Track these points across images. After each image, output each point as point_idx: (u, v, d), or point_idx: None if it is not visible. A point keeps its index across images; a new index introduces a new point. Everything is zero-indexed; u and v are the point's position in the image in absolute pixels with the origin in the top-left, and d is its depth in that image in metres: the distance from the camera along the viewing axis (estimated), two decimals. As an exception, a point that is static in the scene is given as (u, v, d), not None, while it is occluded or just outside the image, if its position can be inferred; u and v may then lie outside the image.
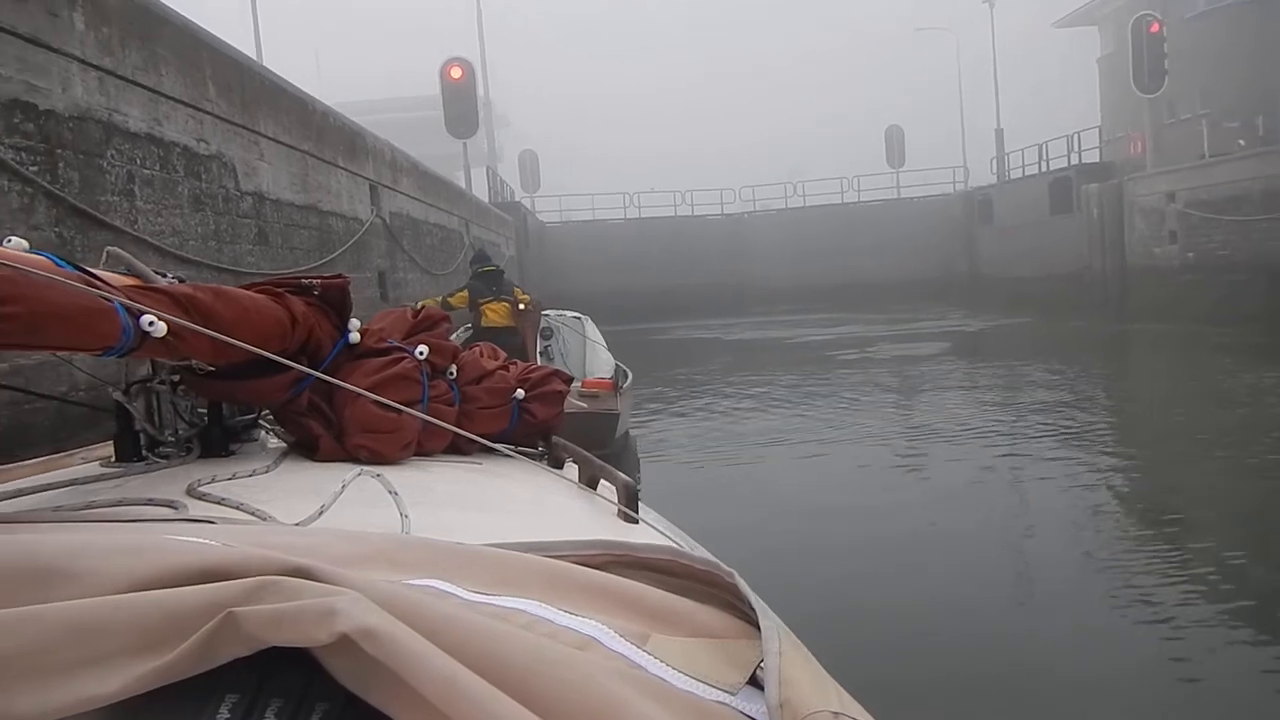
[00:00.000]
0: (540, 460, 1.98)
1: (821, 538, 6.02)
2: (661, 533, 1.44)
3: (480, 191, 24.93)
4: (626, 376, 9.24)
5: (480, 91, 25.40)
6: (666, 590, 0.77)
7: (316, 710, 0.58)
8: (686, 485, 7.77)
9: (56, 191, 4.62)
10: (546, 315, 9.52)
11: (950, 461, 8.20)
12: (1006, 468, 8.03)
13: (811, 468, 8.20)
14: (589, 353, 9.43)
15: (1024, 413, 10.41)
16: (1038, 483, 7.43)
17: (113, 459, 1.60)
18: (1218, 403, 10.67)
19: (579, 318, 9.71)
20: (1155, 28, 22.87)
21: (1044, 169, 27.55)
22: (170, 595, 0.61)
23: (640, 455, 8.87)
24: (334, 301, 1.67)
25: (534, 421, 2.04)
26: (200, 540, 0.76)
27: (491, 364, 2.04)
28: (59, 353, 1.39)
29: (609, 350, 9.77)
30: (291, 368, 1.44)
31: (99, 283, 1.20)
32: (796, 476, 7.93)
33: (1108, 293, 22.16)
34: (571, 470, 1.88)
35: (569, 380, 2.25)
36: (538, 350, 8.90)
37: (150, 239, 5.50)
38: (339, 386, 1.57)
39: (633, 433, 9.55)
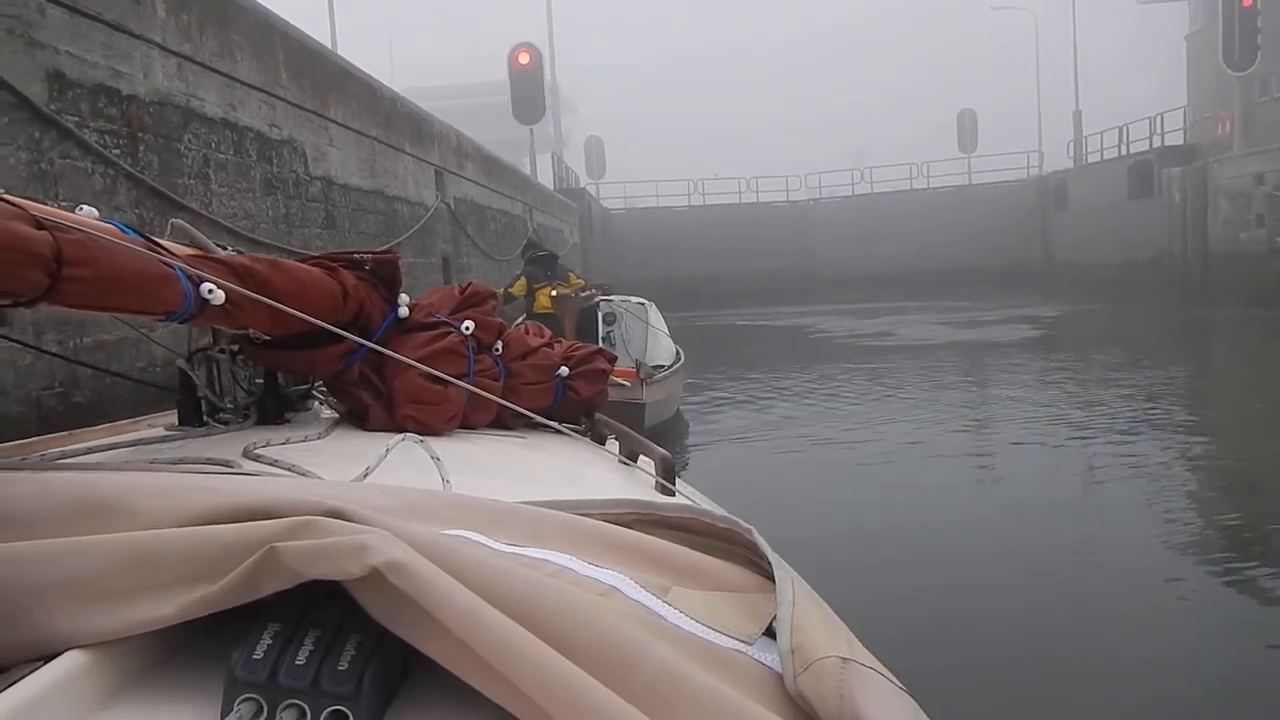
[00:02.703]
0: (583, 436, 2.02)
1: (869, 524, 5.94)
2: (694, 503, 1.46)
3: (545, 178, 25.12)
4: (679, 359, 9.27)
5: (547, 77, 25.54)
6: (689, 547, 0.80)
7: (350, 641, 0.63)
8: (735, 473, 7.72)
9: (137, 174, 4.83)
10: (610, 301, 9.58)
11: (1028, 450, 8.00)
12: (1081, 455, 7.81)
13: (871, 456, 8.08)
14: (651, 339, 9.46)
15: (1099, 401, 10.10)
16: (1116, 470, 7.21)
17: (176, 424, 1.69)
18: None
19: (643, 304, 9.72)
20: (1249, 1, 21.78)
21: (1124, 152, 26.57)
22: (219, 530, 0.67)
23: (688, 439, 8.86)
24: (384, 276, 1.72)
25: (577, 398, 2.08)
26: (246, 484, 0.82)
27: (537, 341, 2.08)
28: (124, 316, 1.47)
29: (670, 337, 9.79)
30: (346, 337, 1.50)
31: (163, 250, 1.26)
32: (855, 465, 7.83)
33: (1189, 278, 21.34)
34: (613, 446, 1.91)
35: (613, 359, 2.28)
36: (599, 336, 8.95)
37: (224, 221, 5.70)
38: (389, 358, 1.62)
39: (684, 416, 9.58)
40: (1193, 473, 7.26)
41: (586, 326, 8.88)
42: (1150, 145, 25.39)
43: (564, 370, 2.05)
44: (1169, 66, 32.57)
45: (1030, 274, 29.51)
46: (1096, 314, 21.09)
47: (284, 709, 0.60)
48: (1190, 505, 6.37)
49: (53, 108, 4.20)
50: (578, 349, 2.15)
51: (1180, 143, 25.28)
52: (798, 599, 0.68)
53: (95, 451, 1.42)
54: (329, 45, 10.71)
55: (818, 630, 0.65)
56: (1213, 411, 10.03)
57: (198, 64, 5.59)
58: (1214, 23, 22.92)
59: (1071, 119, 31.39)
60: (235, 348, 1.71)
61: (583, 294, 9.50)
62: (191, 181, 5.45)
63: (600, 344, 8.66)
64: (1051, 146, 33.73)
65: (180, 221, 1.55)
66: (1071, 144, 31.32)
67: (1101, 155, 28.40)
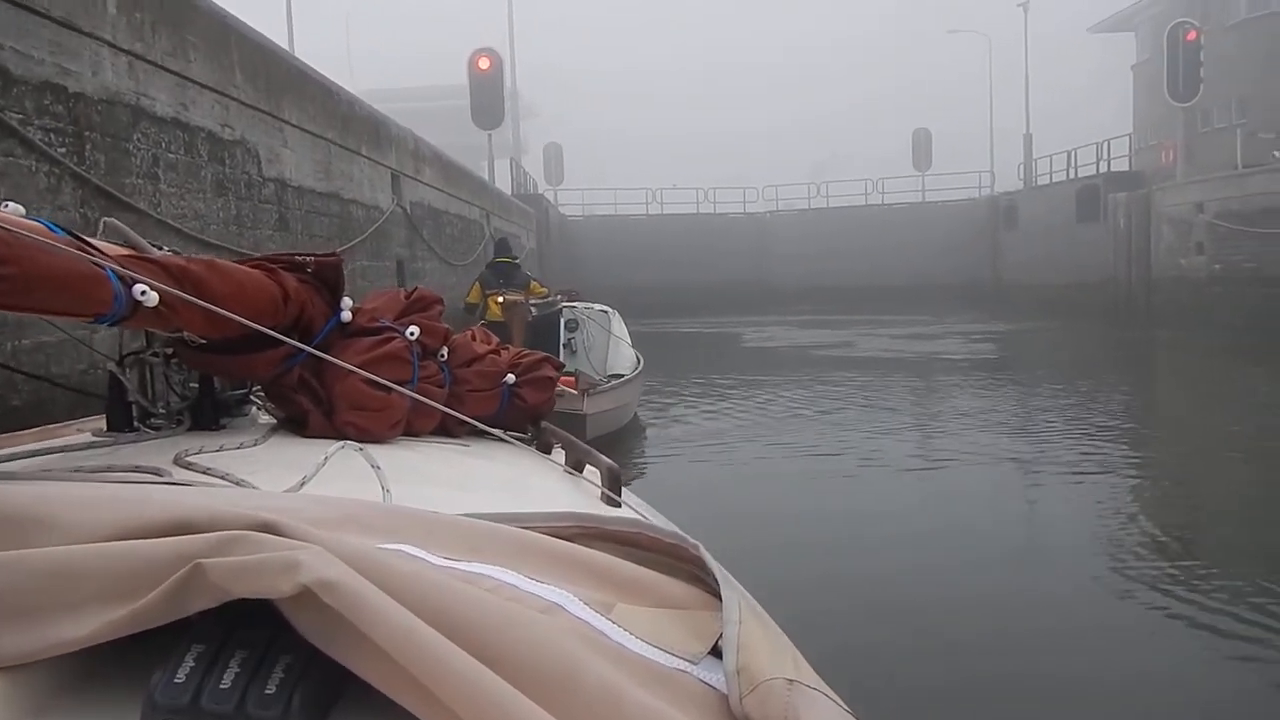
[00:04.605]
0: (529, 445, 2.01)
1: (808, 534, 5.98)
2: (641, 515, 1.45)
3: (504, 184, 25.01)
4: (639, 366, 9.28)
5: (508, 83, 25.48)
6: (634, 562, 0.78)
7: (279, 663, 0.60)
8: (682, 480, 7.72)
9: (83, 173, 4.71)
10: (573, 307, 9.54)
11: (966, 465, 8.12)
12: (1022, 473, 7.95)
13: (812, 467, 8.15)
14: (612, 347, 9.44)
15: (1040, 418, 10.31)
16: (1057, 489, 7.37)
17: (105, 430, 1.64)
18: (1241, 413, 10.54)
19: (605, 311, 9.67)
20: (1192, 35, 22.55)
21: (1072, 176, 27.28)
22: (141, 546, 0.63)
23: (637, 445, 8.86)
24: (327, 279, 1.68)
25: (524, 406, 2.06)
26: (172, 496, 0.79)
27: (483, 348, 2.06)
28: (52, 317, 1.42)
29: (632, 346, 9.78)
30: (284, 342, 1.46)
31: (92, 250, 1.22)
32: (800, 477, 7.89)
33: (1133, 302, 21.96)
34: (559, 455, 1.90)
35: (560, 366, 2.27)
36: (560, 343, 8.92)
37: (172, 222, 5.59)
38: (330, 363, 1.60)
39: (642, 422, 9.58)
40: (1124, 480, 7.47)
41: (548, 333, 8.82)
42: (1097, 170, 26.10)
43: (510, 378, 2.03)
44: (1118, 94, 33.52)
45: (981, 292, 30.09)
46: (1043, 332, 21.57)
47: None
48: (1122, 513, 6.51)
49: (-6, 103, 4.10)
50: (524, 356, 2.14)
51: (1126, 169, 26.03)
52: (744, 617, 0.66)
53: (16, 459, 1.36)
54: (286, 45, 10.57)
55: (764, 650, 0.64)
56: (1147, 424, 10.33)
57: (149, 63, 5.49)
58: (1159, 54, 23.67)
59: (1022, 142, 32.14)
60: (169, 351, 1.66)
61: (546, 300, 9.46)
62: (140, 181, 5.33)
63: (561, 351, 8.64)
64: (1003, 168, 34.57)
65: (113, 220, 1.51)
66: (1022, 166, 32.06)
67: (1051, 178, 29.10)
